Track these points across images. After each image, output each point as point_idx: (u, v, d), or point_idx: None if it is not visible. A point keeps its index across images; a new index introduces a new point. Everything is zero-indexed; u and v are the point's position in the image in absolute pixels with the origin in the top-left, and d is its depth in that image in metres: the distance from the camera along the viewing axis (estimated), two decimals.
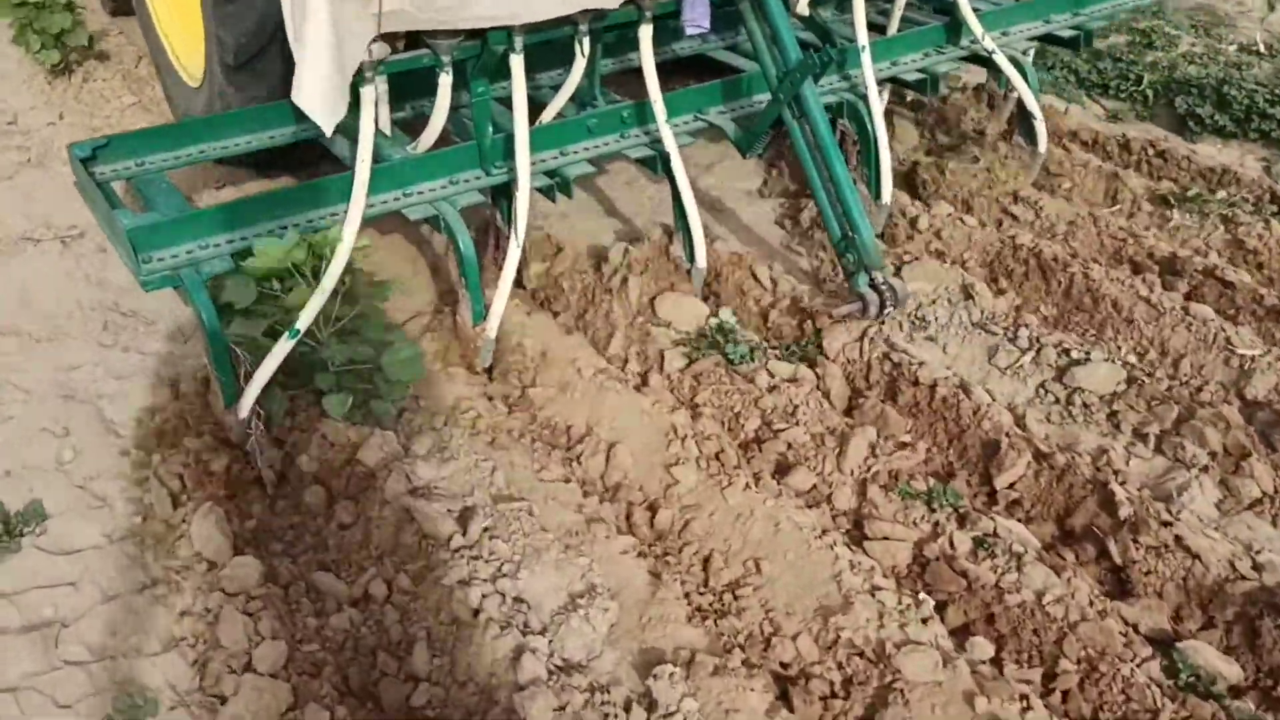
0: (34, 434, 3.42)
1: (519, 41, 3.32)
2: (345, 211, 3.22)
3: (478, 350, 3.59)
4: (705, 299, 3.95)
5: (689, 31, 3.69)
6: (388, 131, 3.83)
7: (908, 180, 4.67)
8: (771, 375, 3.57)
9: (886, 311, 3.57)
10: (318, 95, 2.89)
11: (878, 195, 4.15)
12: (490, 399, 3.55)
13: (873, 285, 3.55)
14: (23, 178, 4.89)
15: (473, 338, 3.61)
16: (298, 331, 3.20)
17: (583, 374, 3.53)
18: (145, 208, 3.56)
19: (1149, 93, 5.70)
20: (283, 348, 3.20)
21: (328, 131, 3.14)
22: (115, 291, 4.10)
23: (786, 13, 3.71)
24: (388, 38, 3.13)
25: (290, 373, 3.24)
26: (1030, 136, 4.52)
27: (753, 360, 3.63)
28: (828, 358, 3.66)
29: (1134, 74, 5.85)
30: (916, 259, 4.08)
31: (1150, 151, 4.97)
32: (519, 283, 3.84)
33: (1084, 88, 5.88)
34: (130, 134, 3.71)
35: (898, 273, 3.95)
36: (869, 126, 4.10)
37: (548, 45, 3.58)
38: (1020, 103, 4.49)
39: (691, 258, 3.88)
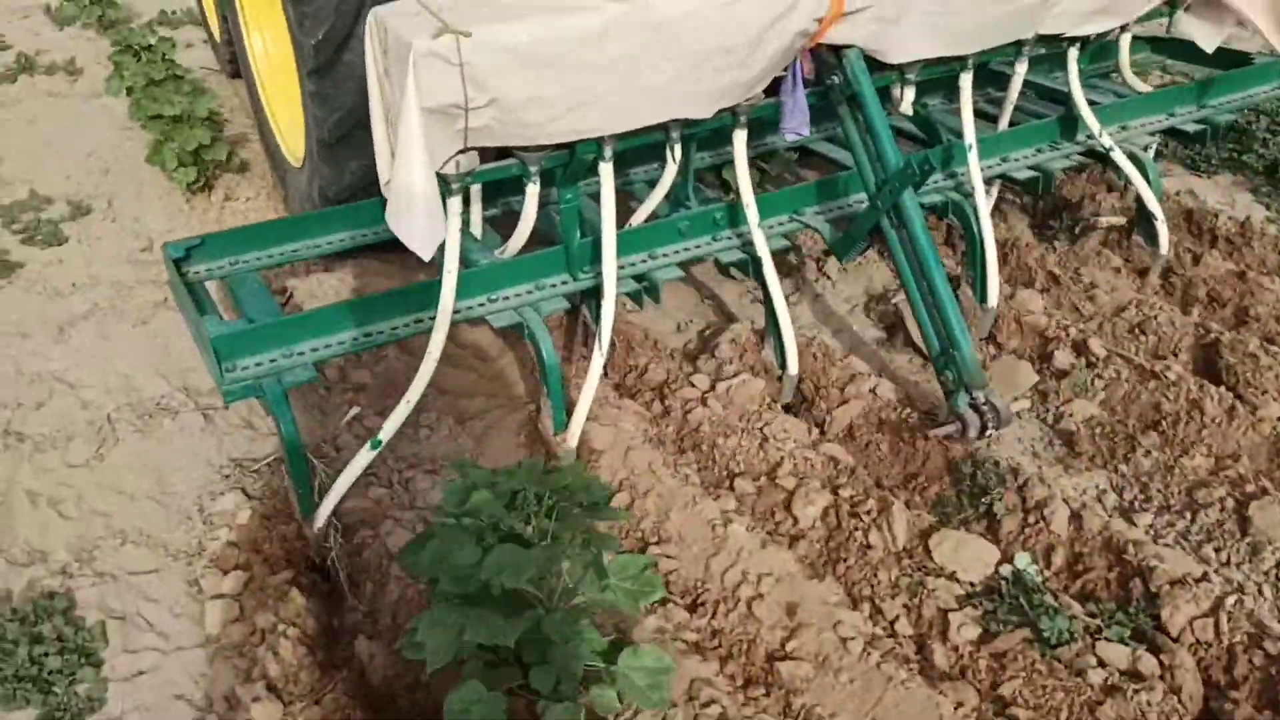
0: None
1: (609, 150, 3.25)
2: (432, 319, 3.18)
3: (559, 458, 3.51)
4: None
5: (788, 139, 3.58)
6: (478, 231, 3.80)
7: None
8: (1103, 664, 2.77)
9: (988, 434, 3.38)
10: (415, 224, 2.85)
11: (983, 298, 3.97)
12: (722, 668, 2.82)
13: (973, 405, 3.36)
14: (159, 322, 4.27)
15: (554, 444, 3.53)
16: (380, 442, 3.17)
17: (849, 646, 2.77)
18: (236, 308, 3.59)
19: None
20: (363, 459, 3.17)
21: (426, 258, 3.08)
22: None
23: (886, 116, 3.57)
24: (484, 154, 3.10)
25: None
26: (1151, 237, 4.28)
27: (1072, 639, 2.85)
28: (1170, 636, 2.84)
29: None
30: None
31: None
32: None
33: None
34: (225, 233, 3.75)
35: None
36: (975, 228, 3.93)
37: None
38: (1140, 201, 4.26)
39: (783, 364, 3.75)
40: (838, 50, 3.51)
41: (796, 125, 3.50)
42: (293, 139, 4.66)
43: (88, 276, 4.65)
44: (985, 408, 3.36)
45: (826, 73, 3.56)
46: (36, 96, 6.52)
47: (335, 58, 3.91)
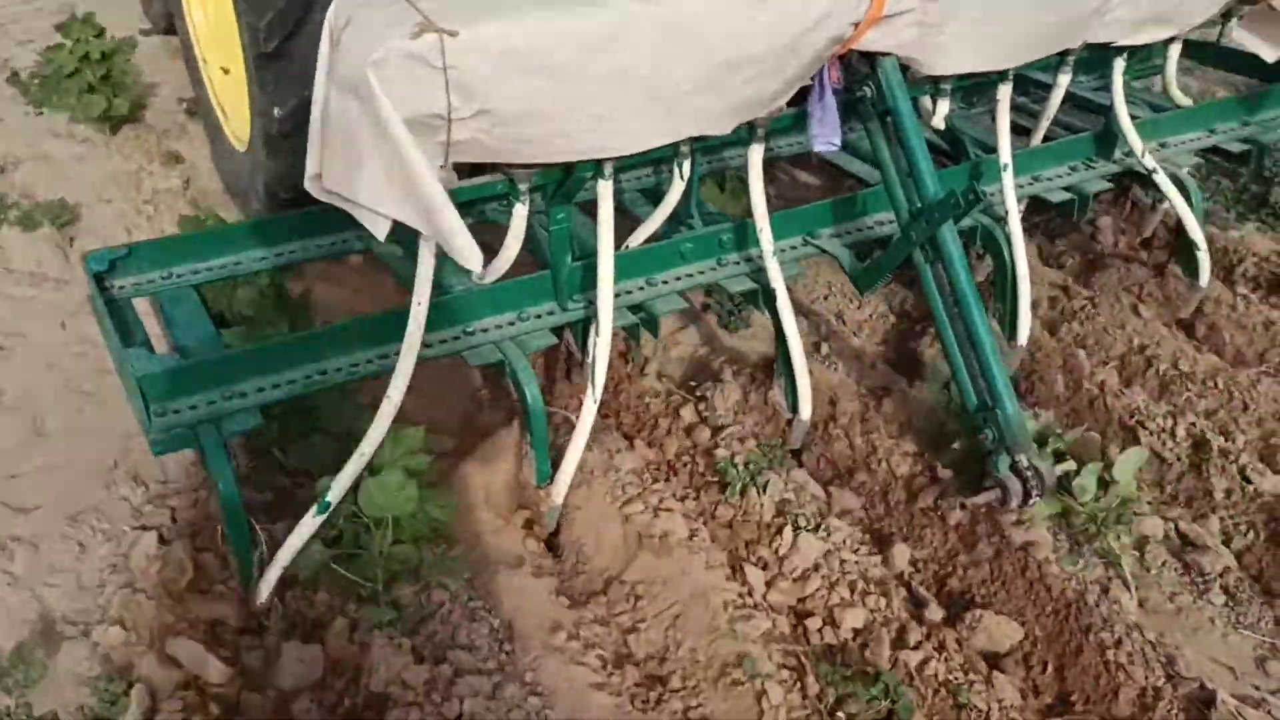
0: None
1: (609, 168, 2.79)
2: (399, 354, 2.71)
3: (542, 514, 3.07)
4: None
5: (818, 148, 3.14)
6: None
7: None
8: None
9: (1031, 502, 2.98)
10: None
11: (1012, 335, 3.57)
12: None
13: (1015, 469, 2.96)
14: None
15: (537, 500, 3.09)
16: (329, 505, 2.71)
17: None
18: (167, 331, 3.10)
19: None
20: (310, 524, 2.71)
21: (380, 236, 2.60)
22: None
23: (922, 133, 3.14)
24: (457, 166, 2.62)
25: None
26: (1191, 268, 3.91)
27: None
28: None
29: None
30: None
31: None
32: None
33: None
34: (157, 241, 3.28)
35: None
36: (1007, 256, 3.52)
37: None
38: (1180, 227, 3.87)
39: (795, 408, 3.33)
40: (871, 58, 3.07)
41: (828, 135, 3.06)
42: (238, 121, 4.15)
43: None
44: (1029, 472, 2.97)
45: (857, 83, 3.12)
46: None
47: (287, 40, 3.42)
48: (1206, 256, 3.86)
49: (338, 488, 2.69)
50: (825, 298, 4.18)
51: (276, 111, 3.55)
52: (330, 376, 2.87)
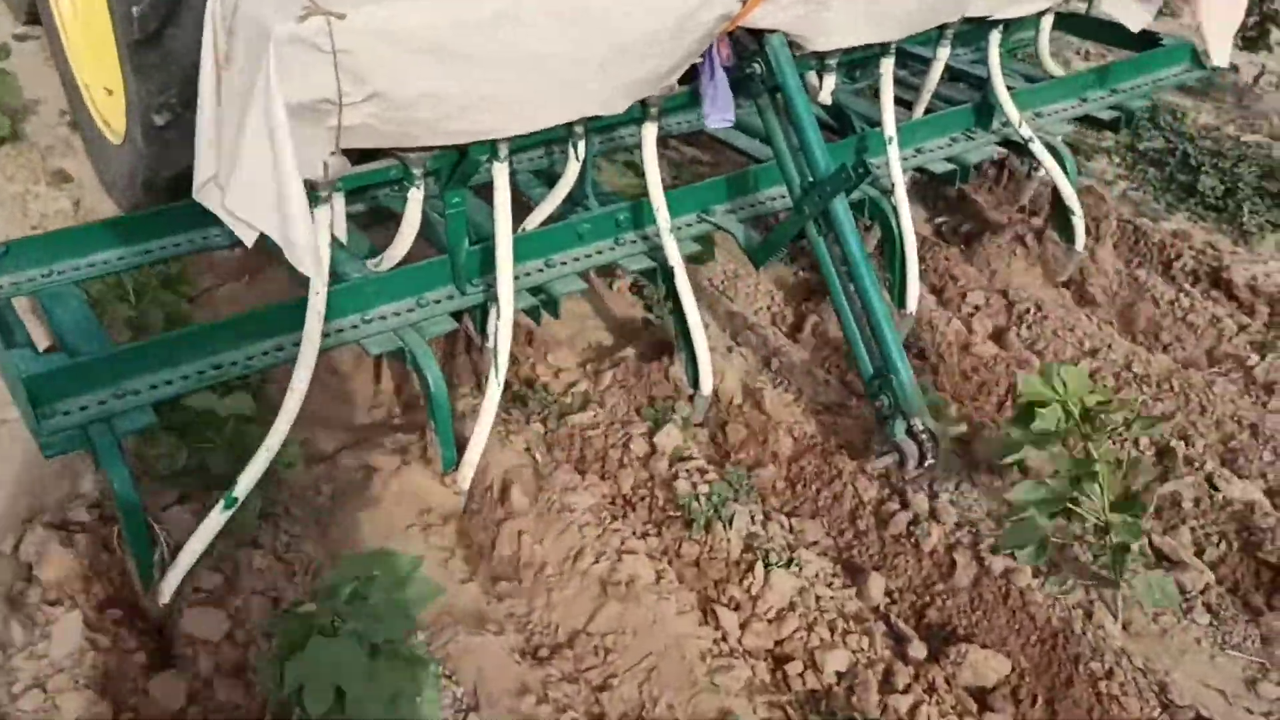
0: None
1: (504, 149, 2.78)
2: (295, 345, 2.67)
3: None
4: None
5: (711, 126, 3.17)
6: (343, 235, 3.27)
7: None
8: None
9: (928, 463, 3.07)
10: (299, 235, 2.31)
11: (902, 303, 3.66)
12: None
13: (910, 433, 3.05)
14: None
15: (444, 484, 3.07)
16: (235, 500, 2.65)
17: None
18: (51, 332, 3.00)
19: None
20: (216, 521, 2.65)
21: (248, 242, 2.54)
22: None
23: (812, 109, 3.19)
24: (348, 150, 2.58)
25: None
26: (1067, 233, 4.05)
27: None
28: None
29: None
30: None
31: None
32: None
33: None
34: (36, 238, 3.15)
35: None
36: (895, 227, 3.61)
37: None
38: (1056, 193, 4.01)
39: (696, 383, 3.36)
40: (759, 35, 3.11)
41: (721, 112, 3.10)
42: (112, 112, 4.00)
43: None
44: (923, 435, 3.06)
45: (746, 60, 3.15)
46: None
47: (163, 27, 3.31)
48: (1081, 221, 4.01)
49: (244, 483, 2.63)
50: (768, 308, 4.05)
51: (154, 99, 3.45)
52: (225, 370, 2.80)
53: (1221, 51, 3.73)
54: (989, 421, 3.43)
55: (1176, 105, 5.66)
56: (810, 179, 3.15)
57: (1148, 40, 4.43)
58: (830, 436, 3.28)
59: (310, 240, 2.33)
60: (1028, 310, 3.91)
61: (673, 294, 3.30)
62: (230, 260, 3.83)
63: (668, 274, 3.27)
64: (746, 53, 3.15)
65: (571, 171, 3.09)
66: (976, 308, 3.95)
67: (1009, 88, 3.95)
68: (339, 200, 3.17)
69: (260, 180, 2.30)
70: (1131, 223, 4.45)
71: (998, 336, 3.85)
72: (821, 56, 3.34)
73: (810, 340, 3.80)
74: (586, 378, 3.56)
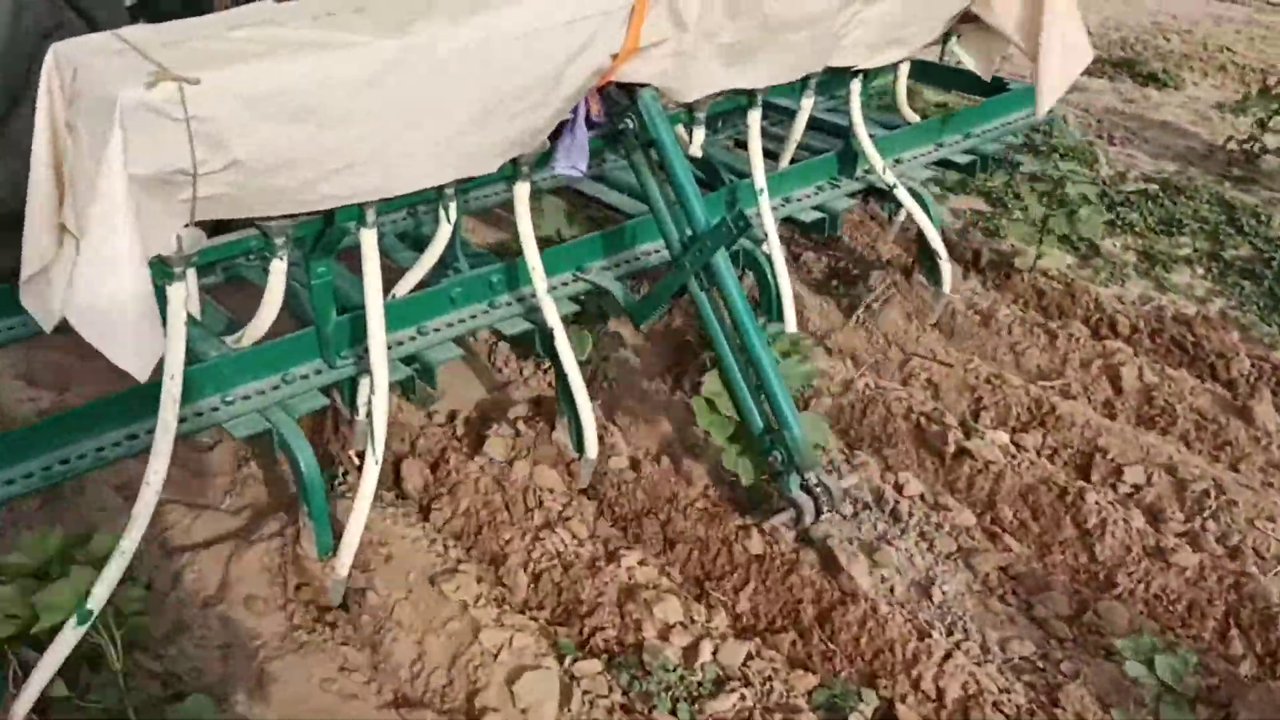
0: None
1: (372, 214, 2.64)
2: (150, 433, 2.45)
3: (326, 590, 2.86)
4: None
5: (559, 171, 3.09)
6: (197, 310, 3.06)
7: None
8: None
9: (823, 517, 3.02)
10: (125, 332, 2.11)
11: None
12: None
13: (805, 487, 3.00)
14: None
15: (319, 574, 2.87)
16: (89, 614, 2.39)
17: None
18: None
19: None
20: (69, 639, 2.39)
21: (144, 378, 2.31)
22: None
23: (687, 162, 3.14)
24: (202, 222, 2.40)
25: None
26: (935, 275, 4.10)
27: None
28: None
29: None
30: None
31: None
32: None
33: None
34: None
35: None
36: (771, 279, 3.59)
37: None
38: (922, 239, 4.06)
39: (581, 448, 3.25)
40: (630, 90, 3.05)
41: (574, 161, 3.03)
42: None
43: None
44: (818, 489, 3.01)
45: (618, 115, 3.09)
46: None
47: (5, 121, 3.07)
48: (948, 265, 4.06)
49: (98, 595, 2.38)
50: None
51: None
52: (74, 465, 2.58)
53: (1046, 105, 3.81)
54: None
55: (1250, 203, 5.32)
56: (690, 233, 3.09)
57: (997, 87, 4.55)
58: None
59: (142, 334, 2.15)
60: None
61: (553, 356, 3.18)
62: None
63: (546, 336, 3.16)
64: (618, 108, 3.08)
65: (442, 235, 2.96)
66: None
67: (870, 135, 3.99)
68: (191, 274, 2.96)
69: (96, 273, 2.12)
70: (1267, 360, 3.94)
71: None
72: (690, 109, 3.31)
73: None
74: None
